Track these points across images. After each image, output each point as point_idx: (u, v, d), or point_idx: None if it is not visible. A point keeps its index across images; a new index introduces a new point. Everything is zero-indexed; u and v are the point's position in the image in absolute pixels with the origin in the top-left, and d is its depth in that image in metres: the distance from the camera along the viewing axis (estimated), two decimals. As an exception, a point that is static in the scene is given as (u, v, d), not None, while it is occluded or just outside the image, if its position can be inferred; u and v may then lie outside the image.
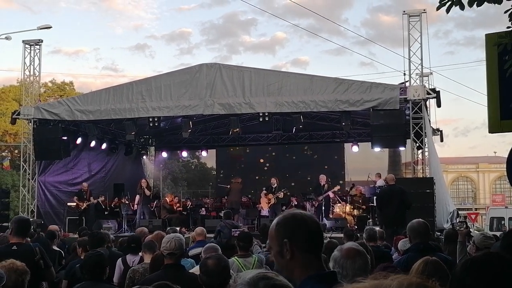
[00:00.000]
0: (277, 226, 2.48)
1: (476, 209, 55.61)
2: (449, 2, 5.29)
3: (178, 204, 21.24)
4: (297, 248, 2.40)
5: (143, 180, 20.77)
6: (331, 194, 18.91)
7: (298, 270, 2.40)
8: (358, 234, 11.87)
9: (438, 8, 5.43)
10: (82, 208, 19.40)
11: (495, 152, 75.32)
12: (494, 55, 5.73)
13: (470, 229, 11.54)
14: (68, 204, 20.00)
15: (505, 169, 6.01)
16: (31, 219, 18.19)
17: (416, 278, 1.08)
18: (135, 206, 20.13)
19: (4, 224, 17.46)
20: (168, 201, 21.09)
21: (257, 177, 21.96)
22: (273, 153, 25.13)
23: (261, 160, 25.26)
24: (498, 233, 15.31)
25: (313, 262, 2.42)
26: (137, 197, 20.07)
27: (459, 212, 22.29)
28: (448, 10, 5.32)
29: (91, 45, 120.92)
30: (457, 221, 15.77)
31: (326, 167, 22.19)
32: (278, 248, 2.42)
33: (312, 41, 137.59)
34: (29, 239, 7.12)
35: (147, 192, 20.15)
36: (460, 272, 2.17)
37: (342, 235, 10.28)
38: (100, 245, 7.28)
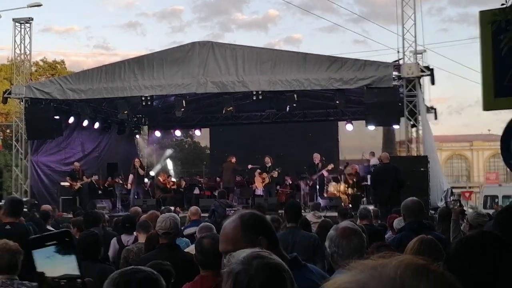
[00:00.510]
0: (247, 223, 2.42)
1: (470, 187, 55.88)
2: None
3: (172, 183, 21.23)
4: (272, 244, 2.40)
5: (137, 160, 20.71)
6: (325, 173, 18.91)
7: None
8: (353, 213, 11.91)
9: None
10: (76, 188, 19.36)
11: (489, 130, 75.48)
12: (488, 33, 5.68)
13: (464, 208, 11.61)
14: (62, 183, 19.96)
15: (499, 147, 6.00)
16: (24, 199, 18.23)
17: (417, 258, 1.05)
18: (129, 185, 20.10)
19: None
20: (161, 180, 21.10)
21: (251, 156, 21.92)
22: (267, 132, 25.07)
23: (255, 139, 25.21)
24: (491, 211, 15.40)
25: (283, 254, 2.44)
26: (131, 176, 20.03)
27: (453, 190, 22.37)
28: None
29: (82, 23, 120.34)
30: (451, 200, 15.90)
31: (320, 145, 22.15)
32: (251, 246, 2.31)
33: (305, 18, 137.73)
34: (23, 219, 7.10)
35: (141, 172, 20.13)
36: (454, 251, 2.17)
37: (336, 214, 10.29)
38: (95, 224, 7.26)
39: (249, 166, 20.50)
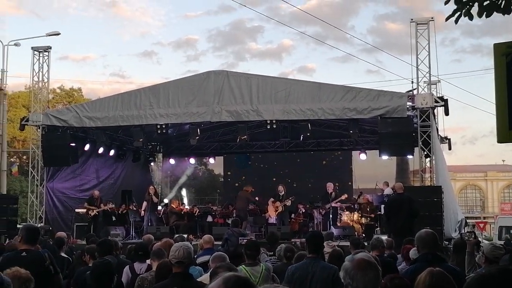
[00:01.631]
0: None
1: (484, 217, 55.38)
2: (458, 13, 5.29)
3: (185, 211, 21.24)
4: None
5: (151, 187, 20.78)
6: (338, 204, 18.87)
7: None
8: (365, 243, 11.84)
9: (447, 19, 5.44)
10: (92, 214, 19.43)
11: (503, 161, 75.10)
12: (503, 65, 5.70)
13: (479, 239, 11.50)
14: (77, 210, 20.04)
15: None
16: (39, 225, 18.33)
17: None
18: (142, 212, 20.14)
19: (12, 231, 17.48)
20: (174, 206, 21.14)
21: (264, 185, 21.93)
22: (281, 161, 25.10)
23: (268, 168, 25.21)
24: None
25: None
26: (144, 203, 20.08)
27: (468, 220, 22.18)
28: (456, 21, 5.33)
29: (98, 51, 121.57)
30: (466, 231, 15.76)
31: (333, 174, 22.12)
32: None
33: (318, 48, 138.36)
34: (39, 246, 7.16)
35: (155, 199, 20.18)
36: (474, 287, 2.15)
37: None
38: (109, 253, 7.28)
39: (256, 198, 20.54)
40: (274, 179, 22.42)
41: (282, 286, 2.24)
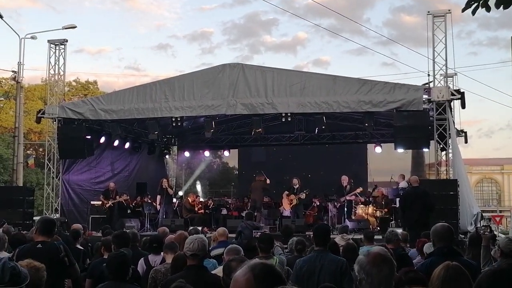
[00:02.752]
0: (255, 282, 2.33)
1: (500, 211, 54.97)
2: (475, 4, 5.23)
3: (199, 205, 21.26)
4: None
5: (164, 180, 20.83)
6: (353, 197, 18.82)
7: None
8: (380, 236, 11.80)
9: (463, 10, 5.38)
10: (107, 206, 19.55)
11: (520, 154, 74.37)
12: (520, 58, 5.65)
13: (495, 233, 11.42)
14: (92, 202, 20.17)
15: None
16: (55, 217, 18.49)
17: None
18: (158, 206, 20.21)
19: (27, 222, 17.65)
20: (190, 201, 21.16)
21: (279, 178, 21.93)
22: (296, 153, 25.06)
23: (283, 161, 25.18)
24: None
25: None
26: (159, 197, 20.14)
27: (484, 214, 22.02)
28: (474, 12, 5.27)
29: (113, 44, 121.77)
30: (481, 225, 15.62)
31: (348, 168, 22.05)
32: None
33: (333, 41, 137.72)
34: (58, 237, 7.22)
35: (170, 191, 20.24)
36: (485, 283, 2.13)
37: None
38: (125, 245, 7.31)
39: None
40: (289, 172, 22.38)
41: (290, 287, 2.24)
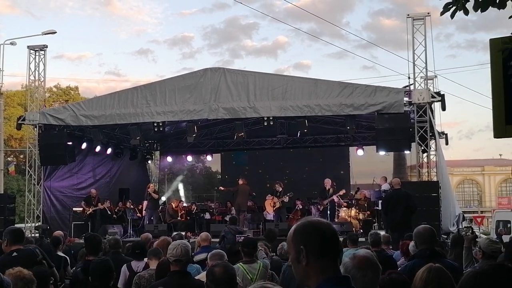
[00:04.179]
0: (294, 233, 2.50)
1: (481, 212, 55.46)
2: (454, 8, 5.28)
3: (183, 211, 21.14)
4: (313, 254, 2.42)
5: (150, 185, 20.76)
6: (335, 199, 18.89)
7: (314, 275, 2.43)
8: (363, 239, 11.84)
9: (442, 13, 5.42)
10: (88, 213, 19.43)
11: (500, 155, 75.23)
12: (499, 60, 5.71)
13: (477, 234, 11.53)
14: (74, 209, 20.05)
15: (511, 172, 5.98)
16: (36, 224, 18.35)
17: None
18: (144, 212, 20.13)
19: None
20: (173, 206, 21.05)
21: (262, 182, 21.95)
22: (278, 157, 25.09)
23: (266, 165, 25.20)
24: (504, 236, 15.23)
25: (328, 267, 2.44)
26: (145, 202, 20.06)
27: (465, 215, 22.21)
28: (452, 16, 5.32)
29: (94, 50, 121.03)
30: (463, 226, 15.78)
31: (331, 171, 22.12)
32: (295, 254, 2.45)
33: (314, 44, 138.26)
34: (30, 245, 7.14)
35: (155, 196, 20.20)
36: (468, 284, 2.15)
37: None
38: (97, 249, 7.28)
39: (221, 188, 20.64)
40: (272, 175, 22.40)
41: (272, 284, 2.26)
